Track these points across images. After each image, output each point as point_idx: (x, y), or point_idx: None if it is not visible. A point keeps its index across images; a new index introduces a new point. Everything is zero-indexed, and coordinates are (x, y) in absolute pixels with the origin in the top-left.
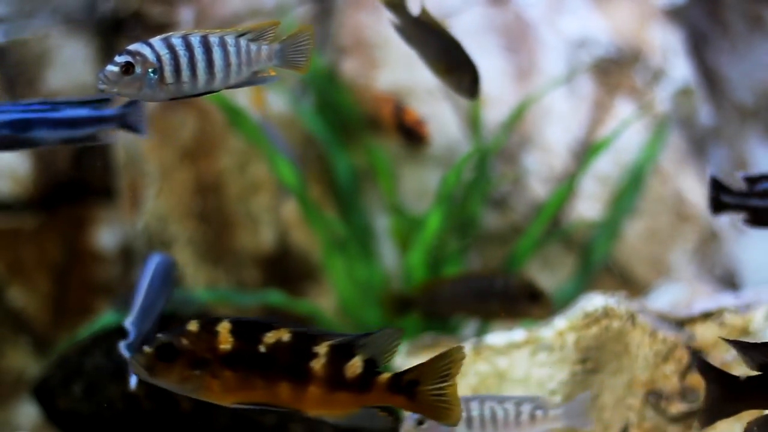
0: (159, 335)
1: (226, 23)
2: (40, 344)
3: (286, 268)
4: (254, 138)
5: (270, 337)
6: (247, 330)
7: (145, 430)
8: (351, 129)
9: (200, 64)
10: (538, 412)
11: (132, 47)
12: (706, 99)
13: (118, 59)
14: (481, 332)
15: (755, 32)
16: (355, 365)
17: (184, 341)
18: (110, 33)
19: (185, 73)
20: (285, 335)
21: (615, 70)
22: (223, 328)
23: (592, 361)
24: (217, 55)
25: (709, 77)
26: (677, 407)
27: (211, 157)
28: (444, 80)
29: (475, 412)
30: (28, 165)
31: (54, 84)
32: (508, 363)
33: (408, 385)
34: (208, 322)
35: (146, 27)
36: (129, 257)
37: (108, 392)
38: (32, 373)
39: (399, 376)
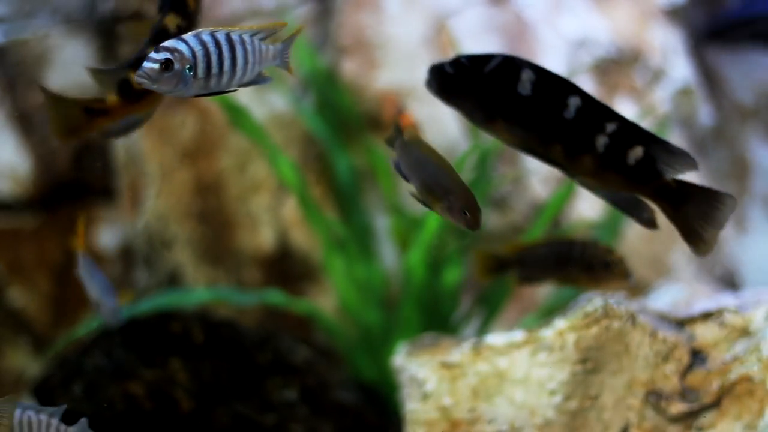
0: None
1: (226, 23)
2: (40, 344)
3: (286, 268)
4: (255, 137)
5: None
6: None
7: (145, 430)
8: (351, 129)
9: (226, 62)
10: (62, 428)
11: (168, 44)
12: (706, 99)
13: (157, 56)
14: (481, 332)
15: None
16: None
17: None
18: (110, 33)
19: (213, 70)
20: None
21: (615, 70)
22: None
23: (592, 361)
24: (239, 53)
25: (709, 77)
26: (677, 407)
27: (211, 157)
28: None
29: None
30: (28, 165)
31: (54, 84)
32: (508, 363)
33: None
34: None
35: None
36: (129, 257)
37: (108, 392)
38: (32, 373)
39: None
